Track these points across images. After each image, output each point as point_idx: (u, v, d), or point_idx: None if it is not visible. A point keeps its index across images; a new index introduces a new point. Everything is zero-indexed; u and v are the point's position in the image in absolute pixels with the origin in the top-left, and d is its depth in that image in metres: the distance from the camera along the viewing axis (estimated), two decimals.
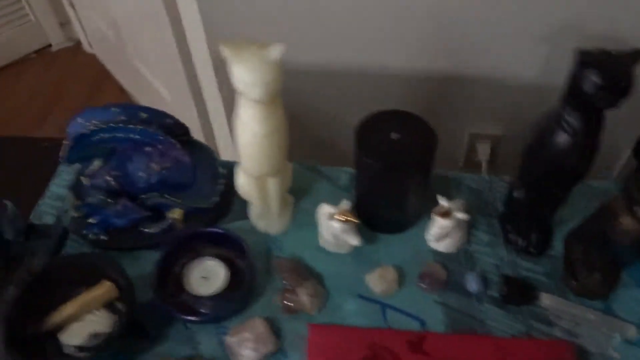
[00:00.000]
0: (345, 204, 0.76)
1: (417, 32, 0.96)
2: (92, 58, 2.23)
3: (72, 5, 2.09)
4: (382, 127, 0.75)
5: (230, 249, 0.79)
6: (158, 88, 1.71)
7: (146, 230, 0.80)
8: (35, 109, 2.01)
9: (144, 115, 0.79)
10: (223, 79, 1.24)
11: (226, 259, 0.78)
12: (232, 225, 0.83)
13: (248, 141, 0.67)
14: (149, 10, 1.33)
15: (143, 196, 0.80)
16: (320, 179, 0.89)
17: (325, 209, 0.76)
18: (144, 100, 1.97)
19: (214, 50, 1.15)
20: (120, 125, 0.76)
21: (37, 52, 2.27)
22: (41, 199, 0.89)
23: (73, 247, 0.82)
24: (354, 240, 0.76)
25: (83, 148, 0.78)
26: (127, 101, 2.03)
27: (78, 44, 2.30)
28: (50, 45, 2.28)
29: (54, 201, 0.88)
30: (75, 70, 2.20)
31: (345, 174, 0.90)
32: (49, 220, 0.86)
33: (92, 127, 0.76)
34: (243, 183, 0.77)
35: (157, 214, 0.81)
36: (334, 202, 0.82)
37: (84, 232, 0.81)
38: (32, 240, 0.79)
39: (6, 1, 2.06)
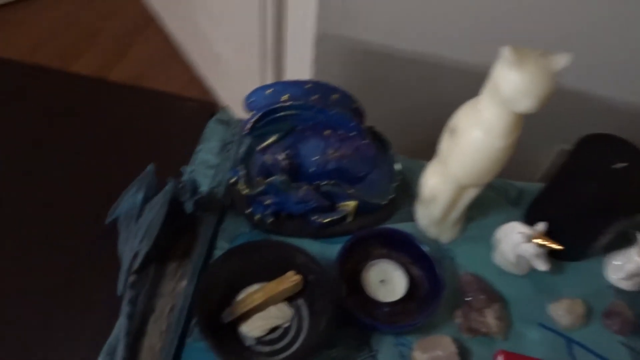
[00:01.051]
0: (542, 226, 0.71)
1: None
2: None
3: None
4: (599, 152, 0.69)
5: (400, 251, 0.74)
6: (219, 44, 1.60)
7: (314, 219, 0.75)
8: (68, 43, 1.86)
9: (335, 96, 0.72)
10: (319, 56, 1.18)
11: (399, 263, 0.73)
12: (397, 227, 0.78)
13: (484, 151, 0.61)
14: None
15: (318, 183, 0.74)
16: (487, 191, 0.84)
17: (518, 229, 0.71)
18: (195, 56, 1.85)
19: (323, 19, 1.07)
20: (318, 105, 0.69)
21: None
22: (189, 165, 0.82)
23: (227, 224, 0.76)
24: (542, 266, 0.71)
25: (268, 123, 0.71)
26: (171, 52, 1.92)
27: None
28: None
29: (205, 169, 0.82)
30: (114, 8, 2.05)
31: (513, 188, 0.85)
32: None
33: (287, 102, 0.69)
34: (436, 187, 0.71)
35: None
36: (503, 216, 0.77)
37: (250, 210, 0.75)
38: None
39: None
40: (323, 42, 1.15)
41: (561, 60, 0.53)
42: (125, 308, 0.63)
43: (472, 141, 0.61)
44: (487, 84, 0.58)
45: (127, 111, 0.88)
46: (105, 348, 0.64)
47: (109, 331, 0.65)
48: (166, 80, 1.81)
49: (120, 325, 0.63)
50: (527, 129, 0.77)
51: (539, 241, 0.69)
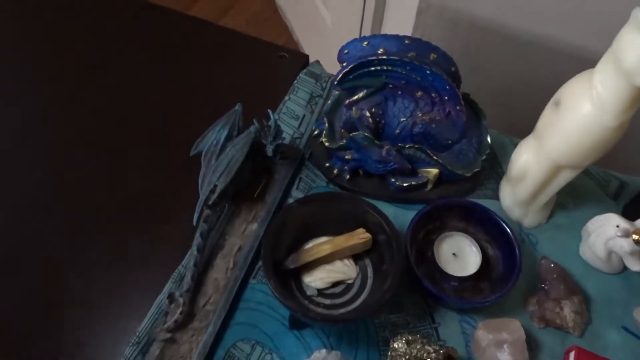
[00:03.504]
0: None
1: None
2: None
3: None
4: None
5: (478, 227, 0.70)
6: (319, 8, 1.58)
7: (393, 181, 0.72)
8: None
9: (433, 56, 0.69)
10: (420, 24, 1.12)
11: (475, 239, 0.69)
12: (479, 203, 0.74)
13: (591, 128, 0.55)
14: None
15: (401, 145, 0.72)
16: (584, 178, 0.77)
17: (615, 221, 0.65)
18: (295, 16, 1.84)
19: None
20: (414, 62, 0.66)
21: None
22: (275, 113, 0.82)
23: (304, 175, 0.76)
24: (636, 265, 0.65)
25: (360, 76, 0.69)
26: (272, 12, 1.92)
27: None
28: None
29: (290, 119, 0.81)
30: None
31: (616, 180, 0.77)
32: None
33: (381, 56, 0.67)
34: (528, 164, 0.66)
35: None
36: (598, 208, 0.71)
37: (328, 164, 0.74)
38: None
39: None
40: (425, 12, 1.10)
41: None
42: (196, 240, 0.64)
43: (579, 116, 0.56)
44: (607, 52, 0.52)
45: (225, 54, 0.89)
46: (175, 274, 0.66)
47: (181, 259, 0.67)
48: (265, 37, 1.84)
49: (190, 256, 0.64)
50: None
51: (638, 238, 0.63)
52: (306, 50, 1.84)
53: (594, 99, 0.54)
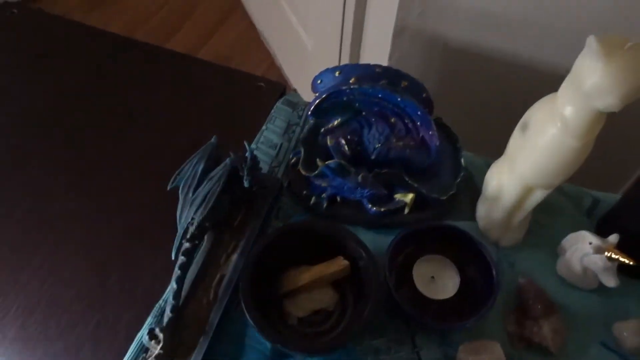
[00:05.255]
0: (614, 238, 0.66)
1: None
2: None
3: None
4: None
5: (456, 250, 0.71)
6: (300, 34, 1.61)
7: (370, 207, 0.73)
8: (164, 21, 1.98)
9: (405, 83, 0.70)
10: (397, 47, 1.15)
11: (453, 261, 0.70)
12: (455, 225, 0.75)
13: (557, 150, 0.57)
14: None
15: (377, 170, 0.73)
16: (558, 196, 0.79)
17: (588, 238, 0.66)
18: (276, 42, 1.87)
19: (403, 11, 1.04)
20: (386, 89, 0.68)
21: None
22: (253, 144, 0.83)
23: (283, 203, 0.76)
24: (611, 281, 0.66)
25: (332, 104, 0.70)
26: (254, 38, 1.96)
27: None
28: None
29: (267, 148, 0.82)
30: None
31: (589, 196, 0.79)
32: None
33: (353, 85, 0.68)
34: (501, 186, 0.67)
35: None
36: (573, 225, 0.72)
37: (305, 192, 0.75)
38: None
39: None
40: (401, 36, 1.12)
41: None
42: (175, 273, 0.64)
43: (545, 139, 0.57)
44: (567, 77, 0.54)
45: (202, 86, 0.91)
46: (156, 309, 0.66)
47: (162, 293, 0.67)
48: (246, 65, 1.87)
49: (170, 289, 0.64)
50: (614, 133, 0.72)
51: (610, 254, 0.64)
52: (288, 75, 1.86)
53: (558, 121, 0.55)
